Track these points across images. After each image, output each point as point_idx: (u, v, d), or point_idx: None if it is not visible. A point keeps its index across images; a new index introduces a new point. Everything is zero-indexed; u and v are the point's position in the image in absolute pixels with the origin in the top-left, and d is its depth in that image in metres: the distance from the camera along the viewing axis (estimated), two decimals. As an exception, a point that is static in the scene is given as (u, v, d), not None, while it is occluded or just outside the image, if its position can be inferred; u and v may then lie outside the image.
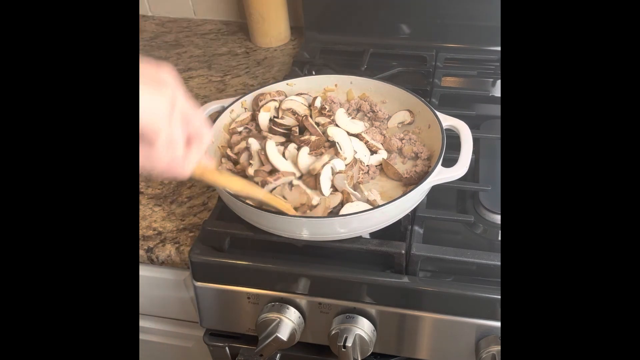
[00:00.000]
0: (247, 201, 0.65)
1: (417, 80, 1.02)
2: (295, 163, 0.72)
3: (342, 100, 0.84)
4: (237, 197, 0.65)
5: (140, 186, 0.84)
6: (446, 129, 0.73)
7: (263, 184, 0.69)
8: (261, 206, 0.65)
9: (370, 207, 0.66)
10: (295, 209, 0.67)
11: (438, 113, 0.75)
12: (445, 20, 1.07)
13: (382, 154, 0.77)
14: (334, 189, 0.70)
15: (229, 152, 0.77)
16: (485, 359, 0.66)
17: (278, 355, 0.81)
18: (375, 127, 0.81)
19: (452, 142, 0.72)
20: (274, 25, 1.18)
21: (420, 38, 1.10)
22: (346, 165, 0.72)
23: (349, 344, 0.67)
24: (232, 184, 0.64)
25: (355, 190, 0.70)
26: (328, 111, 0.79)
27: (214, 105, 0.80)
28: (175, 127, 0.49)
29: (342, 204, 0.68)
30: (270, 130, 0.78)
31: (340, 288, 0.70)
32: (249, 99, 0.82)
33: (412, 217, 0.72)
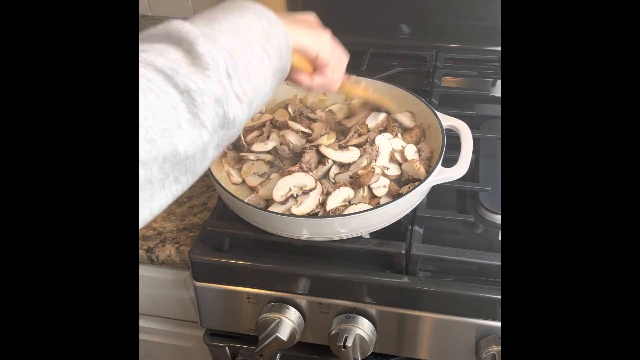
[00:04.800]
0: (247, 201, 0.65)
1: (417, 80, 1.02)
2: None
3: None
4: (238, 197, 0.65)
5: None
6: (446, 129, 0.73)
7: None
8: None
9: (371, 207, 0.66)
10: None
11: (438, 113, 0.75)
12: (445, 20, 1.07)
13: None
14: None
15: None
16: (485, 359, 0.66)
17: (278, 355, 0.81)
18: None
19: (452, 142, 0.72)
20: (274, 25, 1.18)
21: (420, 38, 1.10)
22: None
23: (349, 344, 0.67)
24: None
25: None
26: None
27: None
28: (335, 55, 0.64)
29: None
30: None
31: (340, 288, 0.70)
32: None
33: (412, 217, 0.72)
